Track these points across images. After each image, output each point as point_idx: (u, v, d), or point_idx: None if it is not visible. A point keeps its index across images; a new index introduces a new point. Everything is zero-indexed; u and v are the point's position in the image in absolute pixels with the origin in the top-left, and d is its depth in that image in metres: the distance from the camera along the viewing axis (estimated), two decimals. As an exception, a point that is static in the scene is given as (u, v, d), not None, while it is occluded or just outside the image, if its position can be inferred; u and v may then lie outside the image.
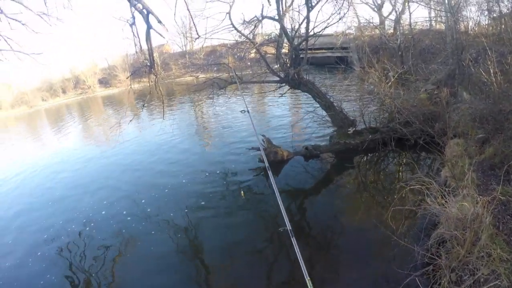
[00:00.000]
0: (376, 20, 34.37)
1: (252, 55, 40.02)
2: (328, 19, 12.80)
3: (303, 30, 12.64)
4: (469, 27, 24.45)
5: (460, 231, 6.27)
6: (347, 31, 34.72)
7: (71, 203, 12.20)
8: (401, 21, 30.06)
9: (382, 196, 10.02)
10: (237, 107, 19.78)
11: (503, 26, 16.56)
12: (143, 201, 11.37)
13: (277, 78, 13.30)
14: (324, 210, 9.85)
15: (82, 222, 10.62)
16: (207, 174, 12.85)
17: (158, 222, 10.04)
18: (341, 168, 12.32)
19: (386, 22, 33.52)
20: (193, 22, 14.81)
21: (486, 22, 22.26)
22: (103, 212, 11.04)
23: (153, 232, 9.49)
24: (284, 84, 13.32)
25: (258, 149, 11.58)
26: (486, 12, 21.46)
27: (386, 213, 7.35)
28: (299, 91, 14.33)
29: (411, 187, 7.50)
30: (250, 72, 17.60)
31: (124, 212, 10.75)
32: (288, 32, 12.67)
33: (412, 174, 9.29)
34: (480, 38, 17.93)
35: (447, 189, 7.55)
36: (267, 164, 6.99)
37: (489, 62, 12.71)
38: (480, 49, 16.03)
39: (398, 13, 30.60)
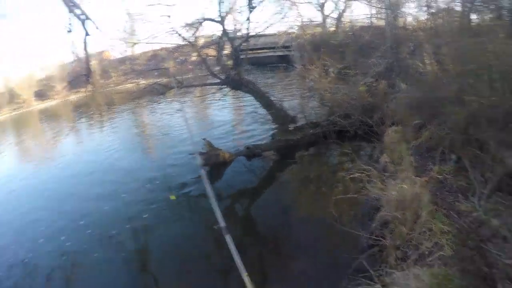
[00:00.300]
0: (319, 18, 35.15)
1: (194, 58, 39.99)
2: (270, 19, 12.89)
3: (245, 31, 12.56)
4: (408, 22, 25.77)
5: (401, 211, 6.47)
6: (289, 30, 35.30)
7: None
8: (342, 19, 30.98)
9: (325, 187, 9.78)
10: (178, 112, 19.22)
11: (440, 20, 17.46)
12: (81, 222, 10.43)
13: (218, 80, 13.09)
14: (268, 207, 9.90)
15: (20, 255, 9.57)
16: (148, 186, 12.18)
17: (100, 242, 9.33)
18: (284, 164, 12.36)
19: (328, 20, 34.37)
20: (134, 27, 14.35)
21: (425, 17, 23.40)
22: (41, 241, 9.99)
23: (96, 255, 8.80)
24: (225, 86, 13.12)
25: (199, 153, 11.35)
26: (425, 8, 22.45)
27: (330, 203, 7.43)
28: (241, 92, 14.20)
29: (352, 175, 7.65)
30: (192, 75, 17.16)
31: (63, 238, 9.87)
32: (230, 34, 12.52)
33: (353, 163, 9.46)
34: (418, 32, 18.95)
35: (386, 174, 7.78)
36: (199, 163, 6.81)
37: (425, 54, 13.43)
38: (418, 42, 16.84)
39: (339, 11, 31.51)
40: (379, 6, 26.05)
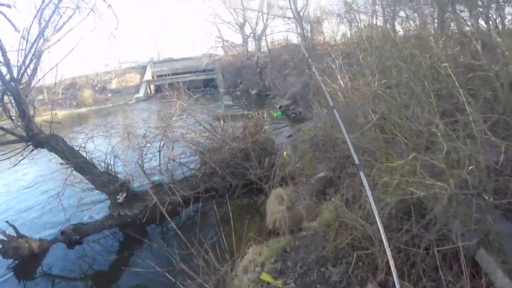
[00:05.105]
0: (240, 39, 31.05)
1: (114, 85, 33.93)
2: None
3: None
4: (328, 37, 22.33)
5: None
6: (210, 52, 30.73)
7: None
8: (263, 38, 26.94)
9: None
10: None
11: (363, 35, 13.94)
12: None
13: (16, 138, 7.18)
14: None
15: None
16: None
17: None
18: (122, 252, 6.60)
19: (249, 41, 30.29)
20: None
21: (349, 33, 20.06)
22: None
23: None
24: (30, 144, 7.22)
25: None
26: (348, 24, 18.82)
27: None
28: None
29: None
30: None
31: None
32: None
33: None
34: (339, 46, 15.24)
35: None
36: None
37: (333, 66, 8.84)
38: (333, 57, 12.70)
39: (255, 30, 27.51)
40: (295, 22, 22.07)
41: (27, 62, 6.35)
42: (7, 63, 5.90)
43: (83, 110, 31.22)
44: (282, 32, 25.57)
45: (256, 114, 9.44)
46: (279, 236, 4.77)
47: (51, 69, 6.88)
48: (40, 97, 33.04)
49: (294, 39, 26.35)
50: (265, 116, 8.82)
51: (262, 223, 5.76)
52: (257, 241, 4.30)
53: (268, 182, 6.41)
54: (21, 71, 6.33)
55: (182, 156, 7.80)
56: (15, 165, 7.03)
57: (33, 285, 6.30)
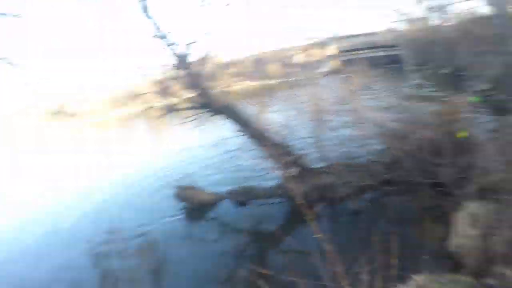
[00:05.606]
0: (418, 12, 27.28)
1: (298, 60, 35.15)
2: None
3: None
4: None
5: None
6: (393, 27, 28.37)
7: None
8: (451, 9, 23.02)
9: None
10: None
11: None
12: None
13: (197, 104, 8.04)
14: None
15: None
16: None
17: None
18: (282, 225, 6.73)
19: (432, 14, 26.19)
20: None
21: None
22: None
23: None
24: (204, 111, 7.91)
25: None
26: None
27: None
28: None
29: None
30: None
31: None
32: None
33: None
34: None
35: None
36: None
37: None
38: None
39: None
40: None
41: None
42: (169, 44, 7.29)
43: (270, 82, 33.77)
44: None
45: (452, 99, 7.87)
46: (459, 269, 3.78)
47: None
48: (233, 69, 37.50)
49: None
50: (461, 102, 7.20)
51: (443, 239, 4.67)
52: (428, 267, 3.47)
53: (462, 189, 5.19)
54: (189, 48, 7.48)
55: (361, 137, 7.23)
56: (196, 127, 8.19)
57: (196, 229, 7.50)
